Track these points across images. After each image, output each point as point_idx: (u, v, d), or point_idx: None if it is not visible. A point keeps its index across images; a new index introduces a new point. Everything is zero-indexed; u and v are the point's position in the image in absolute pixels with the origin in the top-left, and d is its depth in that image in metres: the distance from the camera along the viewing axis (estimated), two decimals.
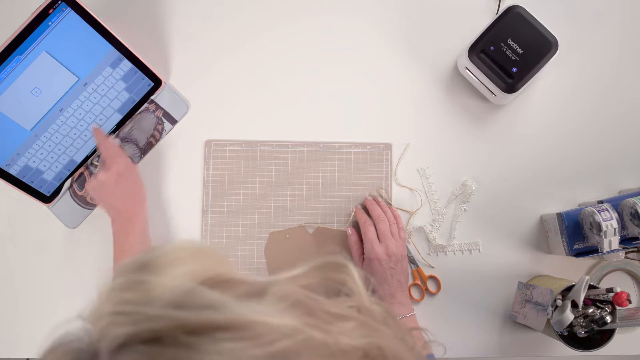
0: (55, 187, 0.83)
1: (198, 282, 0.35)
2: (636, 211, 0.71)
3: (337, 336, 0.35)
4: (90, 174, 0.85)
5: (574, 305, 0.69)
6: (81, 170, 0.84)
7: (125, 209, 0.77)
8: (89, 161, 0.84)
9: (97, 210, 0.85)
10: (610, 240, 0.70)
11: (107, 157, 0.77)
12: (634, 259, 0.82)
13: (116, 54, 0.80)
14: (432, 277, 0.84)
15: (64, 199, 0.84)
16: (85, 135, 0.83)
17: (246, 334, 0.32)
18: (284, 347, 0.32)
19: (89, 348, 0.33)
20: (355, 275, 0.42)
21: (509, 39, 0.76)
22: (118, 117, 0.84)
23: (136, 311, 0.32)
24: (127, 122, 0.85)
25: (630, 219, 0.72)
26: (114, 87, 0.82)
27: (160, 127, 0.86)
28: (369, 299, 0.41)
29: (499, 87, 0.77)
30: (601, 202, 0.76)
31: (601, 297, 0.71)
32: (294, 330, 0.33)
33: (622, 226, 0.73)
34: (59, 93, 0.79)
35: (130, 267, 0.36)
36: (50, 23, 0.75)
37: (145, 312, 0.32)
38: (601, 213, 0.71)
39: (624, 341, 0.81)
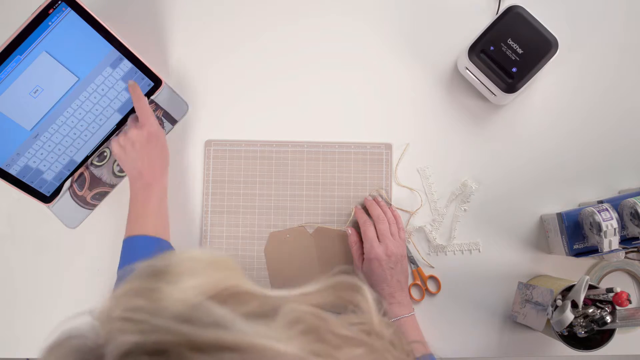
0: (55, 187, 0.83)
1: (209, 295, 0.35)
2: (636, 211, 0.71)
3: None
4: (90, 174, 0.85)
5: (574, 305, 0.69)
6: (81, 170, 0.84)
7: (147, 172, 0.76)
8: (89, 161, 0.84)
9: (97, 210, 0.85)
10: (610, 240, 0.70)
11: (142, 115, 0.76)
12: (634, 259, 0.82)
13: (116, 54, 0.80)
14: (432, 277, 0.84)
15: (64, 199, 0.84)
16: (86, 135, 0.83)
17: (251, 357, 0.32)
18: None
19: (95, 349, 0.33)
20: (369, 297, 0.41)
21: (509, 39, 0.76)
22: (118, 117, 0.84)
23: (144, 320, 0.32)
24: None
25: (630, 219, 0.72)
26: (114, 87, 0.82)
27: None
28: (380, 321, 0.41)
29: (499, 87, 0.77)
30: (601, 202, 0.76)
31: (601, 297, 0.71)
32: (300, 359, 0.33)
33: (622, 226, 0.73)
34: (59, 93, 0.79)
35: (145, 272, 0.36)
36: (50, 23, 0.75)
37: (153, 323, 0.32)
38: (601, 213, 0.71)
39: (624, 341, 0.81)
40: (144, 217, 0.76)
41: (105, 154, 0.85)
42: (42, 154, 0.81)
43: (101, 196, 0.85)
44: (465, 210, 0.84)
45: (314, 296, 0.39)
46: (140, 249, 0.74)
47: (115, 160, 0.85)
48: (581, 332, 0.70)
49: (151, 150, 0.76)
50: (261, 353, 0.32)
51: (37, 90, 0.78)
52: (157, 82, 0.84)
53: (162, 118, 0.85)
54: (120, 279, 0.73)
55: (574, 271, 0.83)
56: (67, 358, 0.33)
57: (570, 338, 0.72)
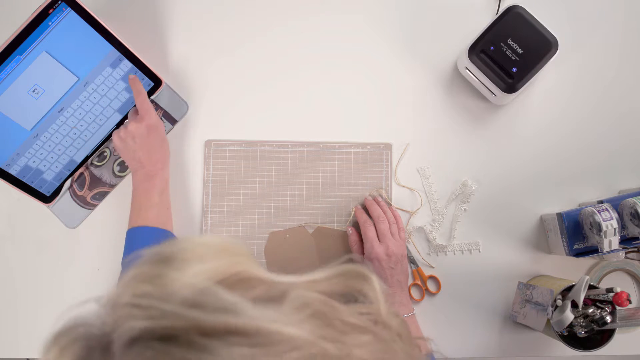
0: (55, 187, 0.83)
1: (217, 280, 0.35)
2: (636, 211, 0.71)
3: (350, 348, 0.35)
4: (90, 174, 0.85)
5: (574, 305, 0.69)
6: (81, 170, 0.84)
7: (148, 164, 0.77)
8: (89, 161, 0.84)
9: (97, 210, 0.85)
10: (610, 240, 0.70)
11: (141, 109, 0.78)
12: (634, 259, 0.82)
13: (116, 54, 0.80)
14: (432, 277, 0.84)
15: (64, 199, 0.84)
16: (86, 135, 0.83)
17: (260, 341, 0.32)
18: (296, 359, 0.32)
19: (102, 337, 0.32)
20: (377, 288, 0.41)
21: (509, 39, 0.76)
22: (118, 117, 0.84)
23: (152, 306, 0.32)
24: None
25: (630, 219, 0.72)
26: (114, 87, 0.82)
27: None
28: (387, 312, 0.41)
29: (499, 87, 0.77)
30: (601, 202, 0.76)
31: (601, 297, 0.71)
32: (308, 342, 0.33)
33: (622, 226, 0.73)
34: (59, 93, 0.79)
35: (151, 258, 0.36)
36: (50, 23, 0.75)
37: (162, 308, 0.32)
38: (601, 213, 0.71)
39: (624, 341, 0.81)
40: (146, 208, 0.76)
41: (105, 154, 0.85)
42: (42, 154, 0.81)
43: (101, 196, 0.85)
44: (465, 210, 0.84)
45: (322, 284, 0.39)
46: (142, 240, 0.75)
47: (115, 160, 0.85)
48: (581, 332, 0.70)
49: (151, 142, 0.77)
50: (269, 337, 0.32)
51: (37, 90, 0.78)
52: (157, 82, 0.84)
53: (162, 118, 0.85)
54: (125, 268, 0.73)
55: (574, 271, 0.83)
56: (73, 346, 0.33)
57: (570, 338, 0.72)
